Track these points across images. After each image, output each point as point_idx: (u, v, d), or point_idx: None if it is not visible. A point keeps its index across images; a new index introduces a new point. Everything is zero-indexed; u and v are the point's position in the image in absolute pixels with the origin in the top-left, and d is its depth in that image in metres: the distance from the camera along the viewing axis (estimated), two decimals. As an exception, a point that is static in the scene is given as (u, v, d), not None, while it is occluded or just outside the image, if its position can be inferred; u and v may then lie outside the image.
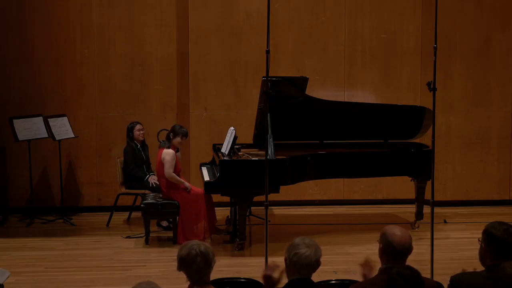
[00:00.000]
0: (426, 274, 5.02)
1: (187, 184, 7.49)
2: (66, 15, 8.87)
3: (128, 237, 7.74)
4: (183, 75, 9.03)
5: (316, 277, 3.63)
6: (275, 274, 3.67)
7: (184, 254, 3.51)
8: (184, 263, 3.50)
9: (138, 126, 8.37)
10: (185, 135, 7.55)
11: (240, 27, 9.04)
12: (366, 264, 3.82)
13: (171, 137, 7.53)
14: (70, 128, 8.57)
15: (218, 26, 9.03)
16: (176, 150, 7.62)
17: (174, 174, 7.42)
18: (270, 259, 5.16)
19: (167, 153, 7.42)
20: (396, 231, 3.60)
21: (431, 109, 5.67)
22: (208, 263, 3.49)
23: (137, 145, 8.34)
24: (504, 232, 3.53)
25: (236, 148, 7.66)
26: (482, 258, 3.61)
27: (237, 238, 7.21)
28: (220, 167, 7.06)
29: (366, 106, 8.39)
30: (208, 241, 7.46)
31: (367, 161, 7.67)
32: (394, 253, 3.56)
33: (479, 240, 3.64)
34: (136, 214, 8.41)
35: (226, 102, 9.05)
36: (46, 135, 8.42)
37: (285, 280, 3.59)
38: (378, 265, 3.73)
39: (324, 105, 7.85)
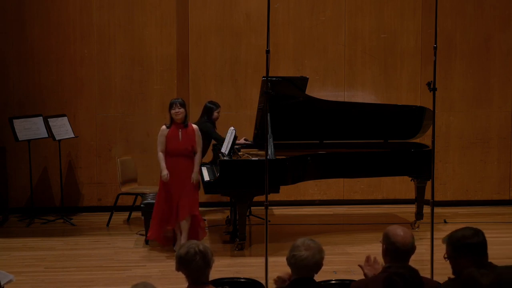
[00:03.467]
0: (426, 274, 5.02)
1: (164, 172, 6.94)
2: (66, 15, 8.87)
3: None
4: (183, 75, 9.03)
5: (316, 277, 3.63)
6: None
7: (183, 253, 3.51)
8: (183, 262, 3.50)
9: (219, 110, 8.20)
10: (172, 103, 7.05)
11: (240, 27, 9.04)
12: (367, 264, 3.82)
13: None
14: (70, 128, 8.57)
15: (218, 26, 9.03)
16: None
17: (160, 154, 6.97)
18: (270, 260, 5.17)
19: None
20: (398, 232, 3.60)
21: (431, 109, 5.67)
22: (207, 262, 3.49)
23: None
24: (476, 236, 3.53)
25: (236, 148, 7.66)
26: (463, 269, 3.56)
27: (237, 238, 7.20)
28: (220, 167, 7.05)
29: (366, 106, 8.39)
30: (207, 241, 7.47)
31: (367, 161, 7.67)
32: (398, 253, 3.57)
33: (445, 258, 3.61)
34: (136, 214, 8.41)
35: (226, 102, 9.04)
36: (46, 135, 8.42)
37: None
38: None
39: (324, 105, 7.85)
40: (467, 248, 3.49)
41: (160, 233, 7.13)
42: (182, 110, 6.97)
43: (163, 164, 6.94)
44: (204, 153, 8.19)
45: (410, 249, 3.58)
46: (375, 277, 3.60)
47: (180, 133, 7.00)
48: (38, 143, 8.65)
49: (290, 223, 8.45)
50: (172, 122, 7.03)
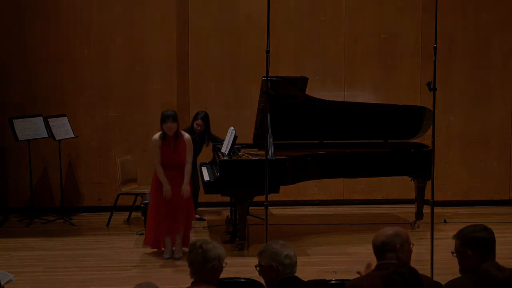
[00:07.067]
0: (426, 274, 5.02)
1: (166, 187, 6.74)
2: (66, 14, 8.87)
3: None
4: (183, 75, 9.03)
5: (316, 277, 3.63)
6: None
7: (191, 243, 3.70)
8: (188, 254, 3.65)
9: (198, 121, 8.04)
10: (165, 118, 6.74)
11: (240, 27, 9.04)
12: (366, 271, 3.82)
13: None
14: (70, 128, 8.57)
15: (218, 26, 9.03)
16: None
17: (158, 165, 6.75)
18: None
19: (151, 141, 6.86)
20: (383, 229, 3.66)
21: (431, 109, 5.67)
22: (205, 259, 3.55)
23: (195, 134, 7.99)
24: (484, 231, 3.54)
25: (236, 148, 7.66)
26: (469, 266, 3.54)
27: (237, 238, 7.20)
28: (220, 167, 7.05)
29: (366, 106, 8.38)
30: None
31: (367, 161, 7.67)
32: (373, 248, 3.66)
33: (453, 253, 3.61)
34: (136, 214, 8.42)
35: (226, 102, 9.05)
36: (46, 135, 8.42)
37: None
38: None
39: (324, 105, 7.84)
40: (475, 242, 3.49)
41: (156, 243, 7.02)
42: (175, 124, 6.72)
43: (165, 179, 6.72)
44: (195, 157, 8.08)
45: (378, 246, 3.62)
46: (370, 274, 3.61)
47: (173, 144, 6.78)
48: (38, 143, 8.65)
49: (290, 223, 8.45)
50: (165, 135, 6.79)
